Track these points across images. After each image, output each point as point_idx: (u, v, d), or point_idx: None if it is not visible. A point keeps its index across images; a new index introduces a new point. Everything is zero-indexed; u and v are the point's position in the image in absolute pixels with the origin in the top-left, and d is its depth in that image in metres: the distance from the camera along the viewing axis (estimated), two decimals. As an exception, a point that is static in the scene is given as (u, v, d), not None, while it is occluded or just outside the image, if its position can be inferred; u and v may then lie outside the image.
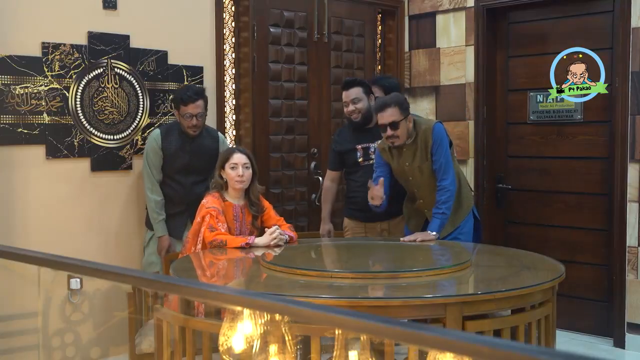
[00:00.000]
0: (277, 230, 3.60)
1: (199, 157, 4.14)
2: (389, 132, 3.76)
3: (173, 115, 4.38)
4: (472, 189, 5.09)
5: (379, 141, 4.13)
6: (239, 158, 3.71)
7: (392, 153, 3.92)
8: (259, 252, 3.44)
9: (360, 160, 4.23)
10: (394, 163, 3.93)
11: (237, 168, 3.68)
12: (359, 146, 4.23)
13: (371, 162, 4.18)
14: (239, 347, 1.96)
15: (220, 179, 3.72)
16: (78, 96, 4.02)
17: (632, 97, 4.39)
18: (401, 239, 3.82)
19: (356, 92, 4.16)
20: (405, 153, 3.87)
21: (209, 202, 3.63)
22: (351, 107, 4.16)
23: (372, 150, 4.20)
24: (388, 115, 3.74)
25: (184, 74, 4.43)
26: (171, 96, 4.28)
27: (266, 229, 3.68)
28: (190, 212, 4.08)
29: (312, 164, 5.05)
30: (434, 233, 3.75)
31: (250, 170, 3.72)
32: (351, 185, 4.32)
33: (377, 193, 3.77)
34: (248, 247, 3.51)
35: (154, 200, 4.09)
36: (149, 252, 4.17)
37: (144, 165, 4.12)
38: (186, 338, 2.57)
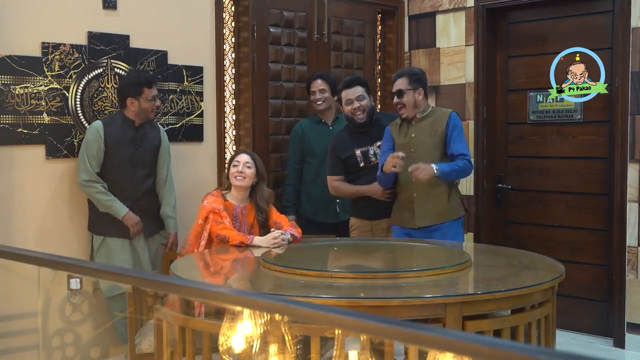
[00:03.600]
0: (280, 236, 3.61)
1: (143, 147, 3.97)
2: (396, 99, 3.98)
3: (174, 115, 4.38)
4: (467, 192, 5.10)
5: (378, 143, 4.14)
6: (241, 157, 3.80)
7: (402, 128, 4.02)
8: (258, 252, 3.44)
9: (362, 165, 4.22)
10: (400, 138, 4.00)
11: (238, 165, 3.75)
12: (358, 151, 4.23)
13: (372, 164, 4.18)
14: (238, 347, 1.96)
15: (226, 180, 3.83)
16: (78, 96, 4.02)
17: (632, 97, 4.39)
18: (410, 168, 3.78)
19: (359, 90, 4.21)
20: (414, 126, 3.99)
21: (210, 202, 3.67)
22: (356, 104, 4.17)
23: (372, 152, 4.20)
24: (397, 84, 3.99)
25: (184, 74, 4.43)
26: (125, 84, 3.95)
27: (273, 230, 3.73)
28: (138, 208, 3.94)
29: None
30: (437, 168, 3.78)
31: (253, 170, 3.76)
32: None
33: (397, 160, 3.78)
34: (244, 246, 3.53)
35: (100, 186, 3.83)
36: (100, 261, 3.91)
37: (81, 159, 3.84)
38: (186, 338, 2.57)
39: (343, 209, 4.52)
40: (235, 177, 3.74)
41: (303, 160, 4.62)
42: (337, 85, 4.55)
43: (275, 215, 3.85)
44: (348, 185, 4.26)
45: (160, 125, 4.19)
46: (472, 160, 5.10)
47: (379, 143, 4.17)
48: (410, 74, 4.02)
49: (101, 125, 3.88)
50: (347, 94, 4.20)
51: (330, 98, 4.59)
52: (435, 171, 3.76)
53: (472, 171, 4.00)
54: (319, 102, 4.58)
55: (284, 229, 3.73)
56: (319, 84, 4.59)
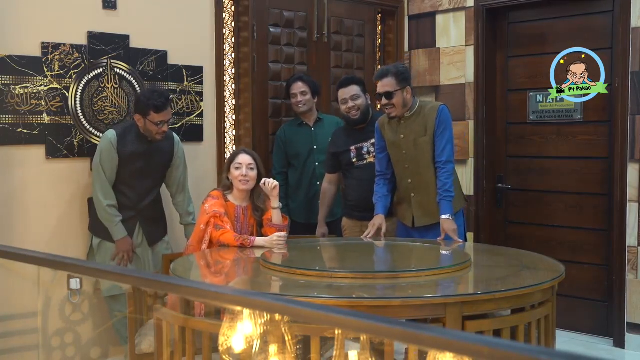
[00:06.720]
0: (279, 239, 3.61)
1: (155, 161, 3.96)
2: (384, 101, 3.85)
3: (174, 115, 4.37)
4: (467, 192, 5.10)
5: (372, 140, 4.18)
6: (243, 158, 3.76)
7: (390, 125, 3.95)
8: (258, 252, 3.44)
9: (354, 160, 4.26)
10: (389, 136, 3.97)
11: (241, 168, 3.72)
12: (353, 147, 4.26)
13: (365, 162, 4.23)
14: (238, 347, 1.96)
15: (227, 180, 3.78)
16: (78, 96, 4.02)
17: (632, 97, 4.39)
18: (438, 239, 3.77)
19: (355, 89, 4.23)
20: (403, 125, 3.91)
21: (211, 206, 3.65)
22: (351, 104, 4.21)
23: (366, 150, 4.25)
24: (384, 85, 3.83)
25: (184, 74, 4.43)
26: (137, 99, 3.91)
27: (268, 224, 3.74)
28: (140, 218, 3.96)
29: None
30: (447, 216, 3.73)
31: (255, 172, 3.75)
32: (347, 185, 4.35)
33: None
34: (243, 247, 3.55)
35: (108, 205, 3.82)
36: (99, 262, 3.89)
37: (95, 169, 3.85)
38: (186, 338, 2.57)
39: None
40: (240, 181, 3.71)
41: (288, 164, 4.65)
42: (318, 87, 4.68)
43: (269, 213, 3.85)
44: (323, 205, 4.40)
45: (175, 136, 4.11)
46: (472, 159, 5.12)
47: (373, 140, 4.20)
48: (396, 72, 3.82)
49: (115, 136, 3.84)
50: (343, 93, 4.22)
51: (311, 100, 4.64)
52: (451, 217, 3.73)
53: (453, 167, 3.86)
54: (300, 105, 4.61)
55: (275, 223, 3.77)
56: (299, 86, 4.62)
